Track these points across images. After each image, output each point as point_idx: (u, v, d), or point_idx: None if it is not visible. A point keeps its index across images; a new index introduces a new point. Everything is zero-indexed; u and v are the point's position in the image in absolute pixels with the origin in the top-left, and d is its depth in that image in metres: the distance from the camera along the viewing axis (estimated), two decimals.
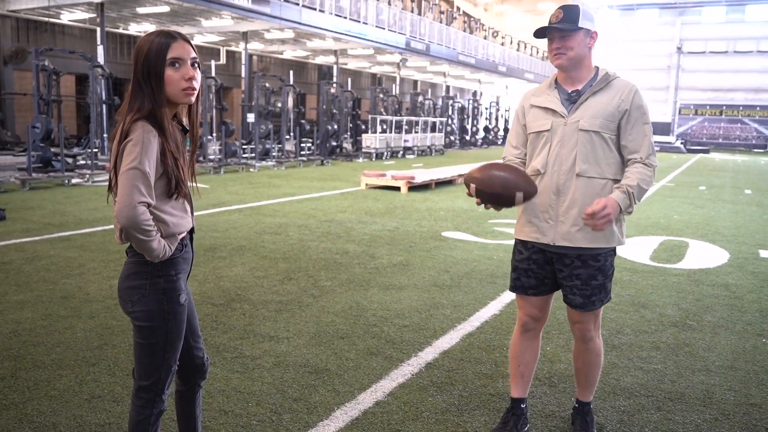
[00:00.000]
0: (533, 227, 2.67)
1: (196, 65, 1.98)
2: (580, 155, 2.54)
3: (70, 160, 13.28)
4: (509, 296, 5.02)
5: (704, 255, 6.92)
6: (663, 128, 50.14)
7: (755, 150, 46.96)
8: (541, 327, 2.86)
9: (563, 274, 2.66)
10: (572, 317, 2.73)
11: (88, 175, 12.05)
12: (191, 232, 2.14)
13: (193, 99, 2.00)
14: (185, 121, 2.09)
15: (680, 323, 4.47)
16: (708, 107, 50.52)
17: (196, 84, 1.97)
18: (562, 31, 2.50)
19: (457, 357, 3.71)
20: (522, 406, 2.86)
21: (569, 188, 2.57)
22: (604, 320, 4.45)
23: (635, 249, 7.09)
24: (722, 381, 3.47)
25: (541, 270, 2.71)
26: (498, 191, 2.45)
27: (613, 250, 2.68)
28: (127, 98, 1.95)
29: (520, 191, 2.44)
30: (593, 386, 2.85)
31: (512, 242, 2.90)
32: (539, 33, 2.57)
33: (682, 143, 41.51)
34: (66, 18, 20.67)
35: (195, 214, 2.22)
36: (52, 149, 12.63)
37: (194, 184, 2.16)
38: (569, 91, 2.62)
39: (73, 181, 11.68)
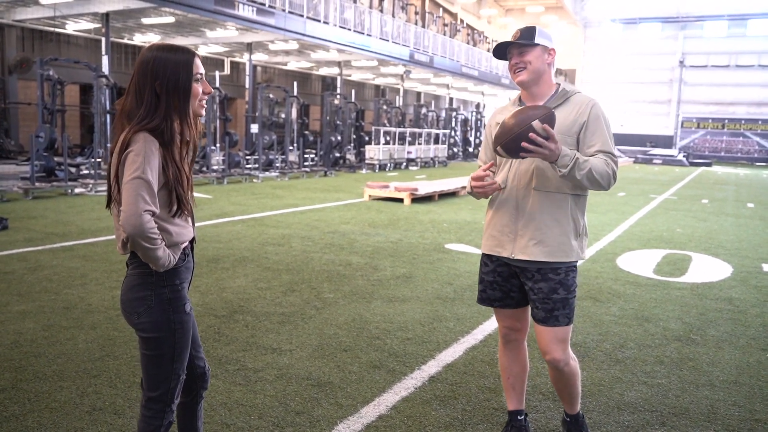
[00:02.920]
0: (495, 240, 2.71)
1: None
2: (537, 170, 2.57)
3: (73, 170, 13.31)
4: None
5: (707, 269, 6.90)
6: (665, 141, 50.15)
7: (757, 163, 46.92)
8: (522, 337, 2.84)
9: (527, 287, 2.66)
10: (541, 345, 2.65)
11: (91, 185, 12.07)
12: (192, 241, 2.15)
13: (204, 112, 2.08)
14: (186, 133, 2.08)
15: (684, 337, 4.45)
16: (710, 121, 50.53)
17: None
18: (520, 46, 2.58)
19: (461, 370, 3.69)
20: (519, 417, 2.86)
21: (527, 203, 2.59)
22: (607, 333, 4.44)
23: (638, 262, 7.07)
24: (726, 396, 3.44)
25: (506, 283, 2.73)
26: (516, 131, 2.37)
27: (574, 265, 2.65)
28: (125, 109, 1.96)
29: (536, 118, 2.36)
30: (578, 398, 2.83)
31: None
32: (498, 53, 2.68)
33: (684, 156, 41.48)
34: (71, 28, 20.80)
35: (197, 224, 2.24)
36: (56, 158, 12.67)
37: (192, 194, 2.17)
38: None
39: (76, 190, 11.71)
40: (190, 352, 2.18)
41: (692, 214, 12.06)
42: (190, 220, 2.11)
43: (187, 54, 1.99)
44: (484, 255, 2.82)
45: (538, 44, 2.57)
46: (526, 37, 2.58)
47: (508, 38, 2.66)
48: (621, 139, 51.23)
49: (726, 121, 49.92)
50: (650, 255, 7.60)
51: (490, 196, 2.73)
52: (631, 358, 3.98)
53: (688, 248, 8.19)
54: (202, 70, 2.02)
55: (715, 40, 50.32)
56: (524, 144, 2.35)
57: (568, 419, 2.87)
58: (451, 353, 3.97)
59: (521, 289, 2.72)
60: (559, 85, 2.68)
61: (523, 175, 2.60)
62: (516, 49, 2.59)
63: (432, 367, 3.72)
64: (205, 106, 2.09)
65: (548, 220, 2.56)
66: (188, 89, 1.97)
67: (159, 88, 1.94)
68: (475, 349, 4.07)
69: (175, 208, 1.98)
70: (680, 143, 50.46)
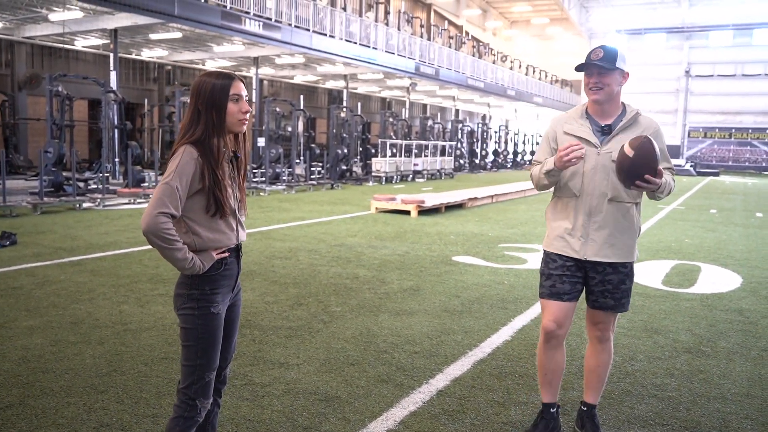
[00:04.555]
0: (564, 242, 2.94)
1: (248, 100, 2.31)
2: (612, 183, 2.82)
3: (81, 185, 13.39)
4: (521, 322, 4.97)
5: (717, 279, 6.85)
6: (672, 151, 49.96)
7: (765, 172, 46.71)
8: (564, 335, 2.99)
9: (595, 281, 2.93)
10: (595, 318, 3.00)
11: (99, 200, 12.14)
12: (238, 249, 2.35)
13: (245, 128, 2.32)
14: (235, 148, 2.35)
15: (694, 349, 4.41)
16: (717, 130, 50.40)
17: (248, 116, 2.30)
18: (601, 68, 2.77)
19: (469, 384, 3.66)
20: (551, 410, 3.04)
21: (601, 211, 2.86)
22: (617, 346, 4.40)
23: (647, 273, 7.03)
24: (738, 409, 3.40)
25: (573, 276, 2.94)
26: (634, 170, 2.64)
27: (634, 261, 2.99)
28: (183, 125, 2.25)
29: (654, 156, 2.63)
30: (602, 387, 3.08)
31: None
32: (579, 67, 2.86)
33: (691, 166, 41.37)
34: (80, 44, 21.02)
35: None
36: (64, 173, 12.75)
37: (244, 203, 2.40)
38: (602, 125, 2.88)
39: (85, 205, 11.76)
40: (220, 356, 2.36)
41: (700, 224, 11.99)
42: (235, 226, 2.30)
43: (227, 78, 2.25)
44: (550, 253, 3.01)
45: (617, 68, 2.79)
46: (609, 60, 2.76)
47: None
48: None
49: (733, 130, 49.78)
50: (659, 266, 7.55)
51: (560, 203, 2.96)
52: (641, 371, 3.95)
53: (696, 259, 8.14)
54: (241, 92, 2.25)
55: (721, 49, 50.30)
56: (639, 183, 2.64)
57: (586, 408, 3.08)
58: (459, 367, 3.94)
59: (584, 282, 2.97)
60: (624, 104, 2.92)
61: (597, 185, 2.85)
62: (596, 69, 2.78)
63: (440, 381, 3.69)
64: (246, 122, 2.30)
65: (619, 226, 2.86)
66: (223, 108, 2.22)
67: (201, 106, 2.22)
68: (483, 362, 4.04)
69: (213, 207, 2.20)
70: (687, 153, 50.33)
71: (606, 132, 2.86)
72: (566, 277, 2.93)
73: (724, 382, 3.79)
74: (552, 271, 2.96)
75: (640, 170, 2.60)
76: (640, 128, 2.84)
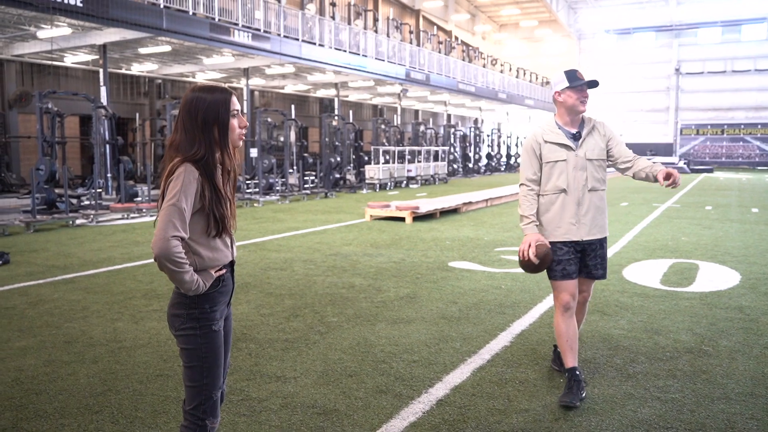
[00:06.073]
0: (564, 230, 3.63)
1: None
2: (590, 176, 3.63)
3: (74, 201, 13.30)
4: (519, 327, 4.93)
5: (715, 277, 6.82)
6: (665, 149, 50.16)
7: (759, 167, 46.88)
8: (575, 304, 3.67)
9: (590, 256, 3.70)
10: (582, 287, 3.78)
11: (92, 216, 12.06)
12: (232, 264, 2.34)
13: (241, 143, 2.33)
14: (227, 163, 2.29)
15: (696, 349, 4.37)
16: (709, 127, 50.58)
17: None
18: (590, 85, 3.60)
19: (469, 392, 3.61)
20: (577, 372, 3.53)
21: (586, 200, 3.62)
22: (617, 348, 4.37)
23: (645, 273, 7.00)
24: (743, 409, 3.36)
25: (575, 257, 3.66)
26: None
27: None
28: (174, 143, 2.19)
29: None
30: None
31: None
32: (574, 83, 3.57)
33: (685, 163, 41.48)
34: (69, 60, 20.95)
35: None
36: (57, 190, 12.67)
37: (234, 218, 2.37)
38: (573, 132, 3.65)
39: (78, 221, 11.69)
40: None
41: (697, 222, 11.98)
42: (229, 243, 2.30)
43: (225, 93, 2.22)
44: (556, 242, 3.65)
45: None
46: (594, 84, 3.62)
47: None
48: None
49: (725, 126, 49.98)
50: (656, 265, 7.52)
51: (548, 199, 3.65)
52: (642, 373, 3.90)
53: (694, 257, 8.12)
54: (238, 106, 2.26)
55: (710, 46, 50.56)
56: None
57: (572, 374, 3.56)
58: (459, 375, 3.89)
59: (581, 260, 3.69)
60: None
61: (580, 181, 3.61)
62: (587, 87, 3.59)
63: (439, 390, 3.64)
64: (244, 138, 2.32)
65: (599, 210, 3.66)
66: (227, 124, 2.21)
67: (202, 123, 2.17)
68: (483, 369, 3.99)
69: (213, 228, 2.19)
70: (680, 150, 50.49)
71: (576, 137, 3.63)
72: (572, 259, 3.62)
73: (727, 382, 3.75)
74: (561, 257, 3.61)
75: (539, 268, 3.59)
76: (597, 130, 3.68)
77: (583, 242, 3.62)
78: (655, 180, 3.50)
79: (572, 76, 3.56)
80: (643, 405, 3.42)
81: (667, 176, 3.39)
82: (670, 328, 4.88)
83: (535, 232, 3.59)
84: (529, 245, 3.54)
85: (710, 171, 39.43)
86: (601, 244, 3.69)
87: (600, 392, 3.60)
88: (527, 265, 3.61)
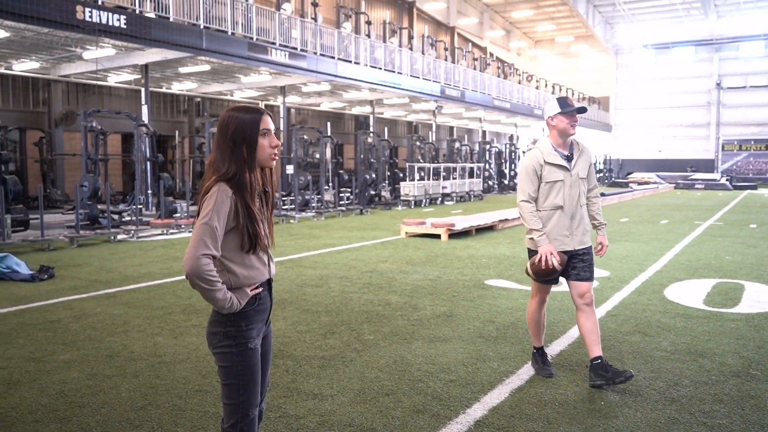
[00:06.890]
0: (559, 241, 4.04)
1: (276, 130, 2.31)
2: (582, 193, 4.11)
3: (116, 217, 13.63)
4: (558, 347, 4.85)
5: (762, 298, 6.61)
6: (706, 165, 49.08)
7: None
8: (548, 300, 4.34)
9: (578, 261, 4.08)
10: (580, 290, 4.07)
11: (133, 231, 12.32)
12: (269, 282, 2.35)
13: (275, 163, 2.33)
14: (257, 182, 2.31)
15: (743, 373, 4.23)
16: (752, 142, 49.35)
17: (277, 150, 2.32)
18: (581, 113, 4.07)
19: (507, 413, 3.56)
20: (544, 349, 4.33)
21: (578, 214, 4.08)
22: (660, 370, 4.26)
23: (687, 293, 6.83)
24: None
25: (567, 263, 4.08)
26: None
27: None
28: (211, 162, 2.24)
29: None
30: (600, 339, 4.07)
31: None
32: (566, 110, 4.00)
33: (727, 180, 40.48)
34: (112, 80, 21.56)
35: None
36: (99, 206, 12.99)
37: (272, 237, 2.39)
38: (566, 154, 4.09)
39: (119, 237, 11.95)
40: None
41: (741, 240, 11.66)
42: (266, 261, 2.31)
43: (256, 113, 2.24)
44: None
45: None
46: (583, 110, 4.05)
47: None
48: (660, 165, 50.30)
49: None
50: (699, 285, 7.33)
51: (545, 215, 4.06)
52: (687, 397, 3.80)
53: (739, 276, 7.89)
54: (269, 126, 2.26)
55: (753, 60, 49.45)
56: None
57: (599, 361, 3.93)
58: (497, 395, 3.84)
59: (570, 265, 4.08)
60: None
61: (574, 197, 4.05)
62: (577, 113, 4.02)
63: (477, 411, 3.60)
64: (276, 157, 2.32)
65: (585, 221, 4.13)
66: (254, 143, 2.21)
67: (231, 143, 2.20)
68: (522, 390, 3.94)
69: (247, 244, 2.20)
70: (722, 167, 49.33)
71: (569, 158, 4.07)
72: (564, 265, 4.05)
73: None
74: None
75: (552, 274, 4.04)
76: (585, 152, 4.15)
77: (574, 251, 4.06)
78: (594, 228, 4.21)
79: (563, 102, 4.01)
80: (688, 430, 3.32)
81: (599, 243, 4.17)
82: (715, 350, 4.74)
83: (549, 242, 3.98)
84: (551, 254, 3.92)
85: (754, 188, 38.39)
86: (588, 250, 4.12)
87: (642, 416, 3.51)
88: (545, 273, 3.97)
